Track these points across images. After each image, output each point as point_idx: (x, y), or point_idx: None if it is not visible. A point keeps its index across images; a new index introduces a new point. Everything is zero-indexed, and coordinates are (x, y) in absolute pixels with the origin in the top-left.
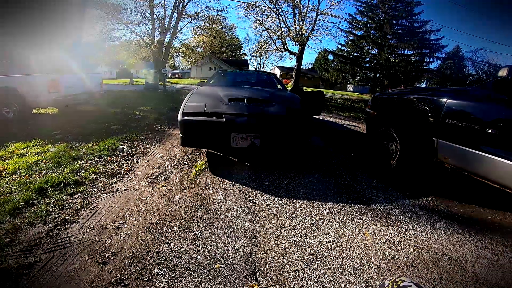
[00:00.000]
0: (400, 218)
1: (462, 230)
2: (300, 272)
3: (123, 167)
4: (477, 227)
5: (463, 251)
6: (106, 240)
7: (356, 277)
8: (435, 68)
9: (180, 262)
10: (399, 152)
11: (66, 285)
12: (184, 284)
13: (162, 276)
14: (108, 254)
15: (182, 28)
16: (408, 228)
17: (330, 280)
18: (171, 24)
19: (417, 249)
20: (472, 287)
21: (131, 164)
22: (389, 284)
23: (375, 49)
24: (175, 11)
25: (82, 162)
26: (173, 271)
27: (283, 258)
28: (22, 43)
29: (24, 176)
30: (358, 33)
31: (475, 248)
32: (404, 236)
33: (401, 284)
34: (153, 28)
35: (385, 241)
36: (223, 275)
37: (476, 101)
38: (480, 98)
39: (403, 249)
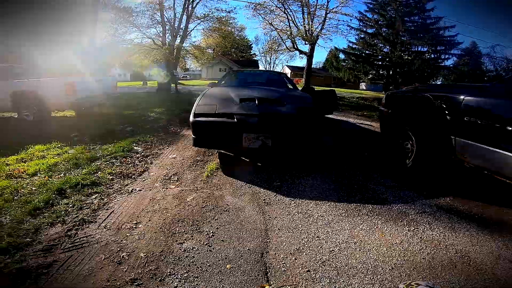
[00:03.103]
0: (417, 218)
1: (482, 231)
2: (312, 273)
3: (137, 168)
4: (498, 228)
5: (483, 252)
6: (121, 240)
7: (370, 278)
8: (451, 65)
9: (192, 262)
10: (415, 151)
11: (83, 284)
12: (196, 284)
13: (174, 276)
14: (123, 254)
15: (191, 30)
16: (425, 229)
17: (343, 281)
18: (181, 26)
19: (435, 250)
20: None
21: (145, 165)
22: None
23: (388, 47)
24: (184, 13)
25: (98, 163)
26: (185, 271)
27: (295, 259)
28: (40, 47)
29: (44, 177)
30: (369, 30)
31: (495, 249)
32: (420, 237)
33: None
34: (163, 31)
35: (401, 242)
36: (235, 275)
37: (496, 98)
38: (500, 95)
39: (420, 250)
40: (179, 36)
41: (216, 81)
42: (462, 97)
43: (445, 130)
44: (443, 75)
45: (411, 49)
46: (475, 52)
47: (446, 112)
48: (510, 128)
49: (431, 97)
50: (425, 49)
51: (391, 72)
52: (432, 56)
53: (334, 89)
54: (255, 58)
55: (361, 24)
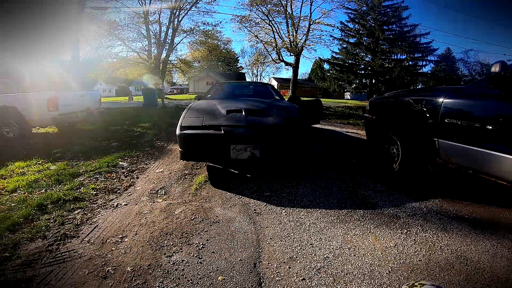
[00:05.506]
0: (408, 221)
1: (474, 230)
2: (307, 281)
3: (123, 183)
4: (489, 226)
5: (478, 251)
6: (106, 254)
7: (368, 283)
8: (428, 72)
9: (182, 275)
10: (401, 155)
11: None
12: None
13: None
14: (108, 268)
15: (178, 44)
16: (418, 231)
17: (340, 287)
18: (167, 40)
19: (430, 251)
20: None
21: (131, 179)
22: None
23: (369, 56)
24: (170, 27)
25: (82, 179)
26: (175, 285)
27: (289, 268)
28: (21, 61)
29: (24, 193)
30: (351, 40)
31: (490, 248)
32: (414, 239)
33: None
34: (149, 44)
35: (395, 245)
36: (227, 287)
37: (473, 99)
38: (476, 95)
39: (415, 252)
40: (165, 50)
41: (203, 94)
42: (440, 100)
43: (427, 133)
44: (421, 82)
45: (391, 57)
46: (450, 57)
47: (427, 115)
48: (488, 127)
49: (412, 101)
50: (404, 57)
51: (373, 81)
52: (410, 63)
53: (320, 99)
54: (242, 71)
55: (343, 34)
